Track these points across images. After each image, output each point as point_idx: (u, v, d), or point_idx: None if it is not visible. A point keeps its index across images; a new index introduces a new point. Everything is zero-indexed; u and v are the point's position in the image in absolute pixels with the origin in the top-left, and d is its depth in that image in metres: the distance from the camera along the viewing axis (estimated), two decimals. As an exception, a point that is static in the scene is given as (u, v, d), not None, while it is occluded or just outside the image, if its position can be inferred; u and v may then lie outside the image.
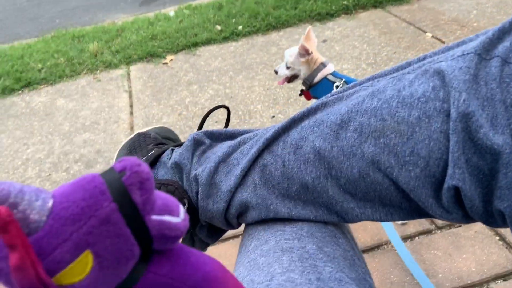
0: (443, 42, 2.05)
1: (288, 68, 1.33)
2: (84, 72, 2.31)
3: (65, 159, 1.67)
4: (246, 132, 0.57)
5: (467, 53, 0.38)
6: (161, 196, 0.23)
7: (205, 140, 0.57)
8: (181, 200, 0.53)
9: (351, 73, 1.94)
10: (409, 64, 0.45)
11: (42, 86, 2.24)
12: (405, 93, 0.40)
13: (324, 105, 0.47)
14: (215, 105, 0.66)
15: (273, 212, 0.49)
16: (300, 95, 1.35)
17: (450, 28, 2.16)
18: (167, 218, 0.22)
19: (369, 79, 0.47)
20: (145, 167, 0.22)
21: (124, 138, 1.78)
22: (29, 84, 2.25)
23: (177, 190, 0.54)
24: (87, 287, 0.20)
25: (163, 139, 0.67)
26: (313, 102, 1.32)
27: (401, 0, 2.49)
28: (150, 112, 1.91)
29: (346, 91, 0.47)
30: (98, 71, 2.31)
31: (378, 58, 2.02)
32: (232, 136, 0.57)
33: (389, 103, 0.40)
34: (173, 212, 0.23)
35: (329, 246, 0.47)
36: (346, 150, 0.43)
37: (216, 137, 0.58)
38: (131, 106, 1.98)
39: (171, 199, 0.24)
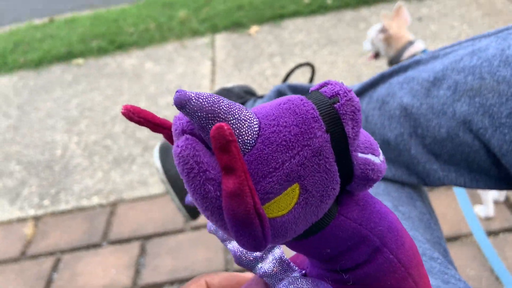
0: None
1: (372, 43, 1.27)
2: (172, 38, 2.39)
3: (148, 118, 1.75)
4: None
5: None
6: (363, 133, 0.20)
7: (288, 93, 0.56)
8: None
9: (445, 55, 1.80)
10: None
11: (133, 49, 2.35)
12: (510, 52, 0.37)
13: (417, 63, 0.45)
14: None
15: None
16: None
17: None
18: (371, 157, 0.20)
19: (469, 40, 0.44)
20: (355, 95, 0.19)
21: (204, 104, 1.83)
22: (121, 46, 2.38)
23: None
24: (286, 223, 0.18)
25: (245, 94, 0.68)
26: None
27: (512, -22, 2.25)
28: (230, 80, 1.93)
29: (442, 50, 0.45)
30: (185, 38, 2.38)
31: (478, 40, 1.86)
32: None
33: (490, 62, 0.37)
34: (375, 152, 0.20)
35: (405, 206, 0.45)
36: (436, 108, 0.40)
37: (299, 91, 0.57)
38: (213, 73, 2.02)
39: (371, 137, 0.21)
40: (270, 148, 0.17)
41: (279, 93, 0.56)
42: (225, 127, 0.15)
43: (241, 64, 2.05)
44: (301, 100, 0.19)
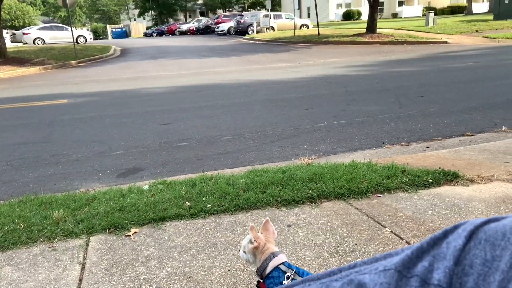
0: (401, 239, 2.10)
1: (244, 252, 1.33)
2: (41, 239, 2.23)
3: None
4: None
5: (388, 269, 0.40)
6: None
7: None
8: None
9: (314, 261, 1.92)
10: (340, 270, 0.46)
11: (-8, 251, 2.12)
12: None
13: None
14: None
15: None
16: (257, 286, 1.30)
17: (407, 226, 2.24)
18: None
19: (301, 282, 0.47)
20: None
21: (63, 317, 1.61)
22: (-22, 248, 2.13)
23: None
24: None
25: None
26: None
27: (362, 194, 2.65)
28: (99, 288, 1.78)
29: None
30: (56, 239, 2.23)
31: (340, 248, 2.04)
32: None
33: None
34: None
35: None
36: None
37: None
38: (80, 280, 1.86)
39: None
40: None
41: None
42: None
43: (114, 269, 1.93)
44: None
